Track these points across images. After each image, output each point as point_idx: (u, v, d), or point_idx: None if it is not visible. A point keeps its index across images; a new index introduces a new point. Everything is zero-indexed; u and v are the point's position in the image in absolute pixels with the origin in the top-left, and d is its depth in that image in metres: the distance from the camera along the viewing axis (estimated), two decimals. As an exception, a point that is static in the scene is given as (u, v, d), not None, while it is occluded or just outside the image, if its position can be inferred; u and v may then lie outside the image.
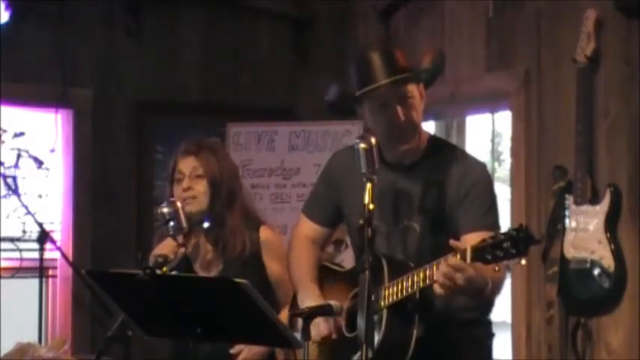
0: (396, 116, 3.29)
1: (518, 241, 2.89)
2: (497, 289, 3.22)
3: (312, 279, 3.54)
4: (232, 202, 3.89)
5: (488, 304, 3.42)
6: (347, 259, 5.07)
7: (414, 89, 3.33)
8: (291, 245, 3.67)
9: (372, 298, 3.04)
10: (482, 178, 3.39)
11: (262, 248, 3.87)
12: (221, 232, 3.86)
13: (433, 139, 3.49)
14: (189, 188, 3.87)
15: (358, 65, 3.35)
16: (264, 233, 3.89)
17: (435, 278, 3.05)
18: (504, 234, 2.93)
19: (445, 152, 3.44)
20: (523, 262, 2.94)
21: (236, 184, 3.94)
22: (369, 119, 3.39)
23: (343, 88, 3.44)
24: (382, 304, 3.20)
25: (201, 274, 3.87)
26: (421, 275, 3.12)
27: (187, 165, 3.90)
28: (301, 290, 3.52)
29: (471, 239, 3.15)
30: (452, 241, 3.05)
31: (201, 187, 3.87)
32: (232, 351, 3.75)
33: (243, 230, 3.86)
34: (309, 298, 3.44)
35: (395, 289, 3.19)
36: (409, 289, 3.15)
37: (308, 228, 3.64)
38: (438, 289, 3.06)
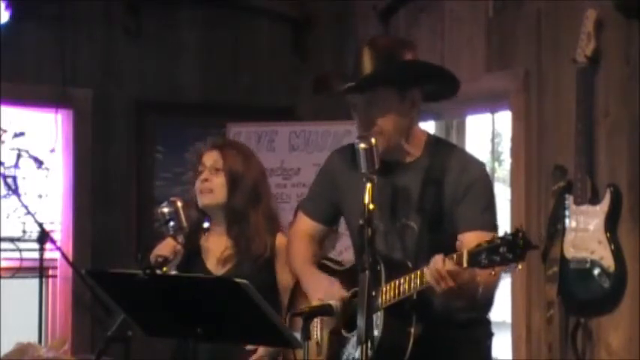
0: (358, 120, 3.33)
1: (515, 246, 2.87)
2: (489, 291, 3.22)
3: (314, 266, 3.55)
4: (257, 201, 3.90)
5: (488, 304, 3.41)
6: (347, 256, 5.07)
7: (387, 95, 3.31)
8: (290, 241, 3.67)
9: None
10: (481, 176, 3.38)
11: (277, 255, 3.87)
12: (245, 230, 3.87)
13: (432, 139, 3.49)
14: (207, 180, 3.89)
15: (352, 57, 3.37)
16: (280, 240, 3.89)
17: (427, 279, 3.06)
18: (501, 238, 2.91)
19: (443, 151, 3.43)
20: (520, 267, 2.93)
21: (261, 186, 3.95)
22: None
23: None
24: (380, 303, 3.20)
25: (215, 269, 3.89)
26: (418, 275, 3.12)
27: (210, 158, 3.93)
28: (305, 277, 3.52)
29: (468, 238, 3.15)
30: (458, 244, 3.05)
31: (219, 180, 3.89)
32: (249, 347, 3.76)
33: (265, 232, 3.88)
34: (317, 282, 3.44)
35: (391, 288, 3.19)
36: (406, 290, 3.15)
37: (305, 225, 3.64)
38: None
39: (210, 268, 3.91)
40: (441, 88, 3.46)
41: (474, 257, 2.95)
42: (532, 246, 2.89)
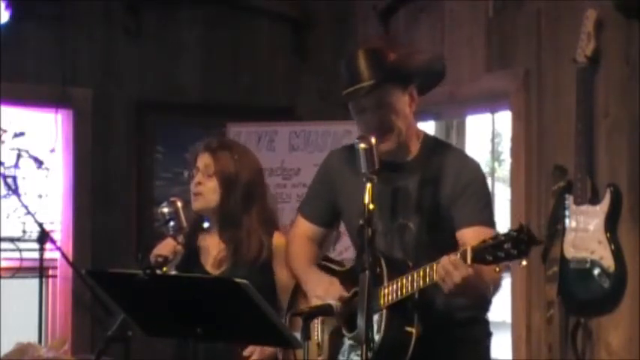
0: (370, 122, 3.31)
1: (519, 241, 2.89)
2: (496, 289, 3.24)
3: (314, 266, 3.55)
4: (249, 204, 3.87)
5: (487, 303, 3.43)
6: (347, 256, 5.07)
7: (394, 92, 3.32)
8: (289, 243, 3.68)
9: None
10: (478, 176, 3.41)
11: (274, 254, 3.86)
12: (236, 233, 3.86)
13: (428, 138, 3.50)
14: (200, 184, 3.88)
15: (344, 65, 3.37)
16: (277, 239, 3.87)
17: (435, 277, 3.06)
18: (505, 235, 2.93)
19: (440, 151, 3.45)
20: (524, 263, 2.94)
21: (256, 187, 3.92)
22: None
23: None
24: (382, 302, 3.20)
25: (212, 269, 3.88)
26: (421, 274, 3.12)
27: (202, 161, 3.92)
28: (305, 278, 3.52)
29: (468, 234, 3.17)
30: (460, 241, 3.06)
31: (211, 185, 3.87)
32: (245, 353, 3.75)
33: (260, 234, 3.85)
34: (317, 281, 3.44)
35: (394, 288, 3.19)
36: (409, 289, 3.16)
37: (305, 227, 3.65)
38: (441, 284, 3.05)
39: (208, 268, 3.91)
40: (431, 80, 3.46)
41: (479, 254, 2.96)
42: (536, 242, 2.91)
